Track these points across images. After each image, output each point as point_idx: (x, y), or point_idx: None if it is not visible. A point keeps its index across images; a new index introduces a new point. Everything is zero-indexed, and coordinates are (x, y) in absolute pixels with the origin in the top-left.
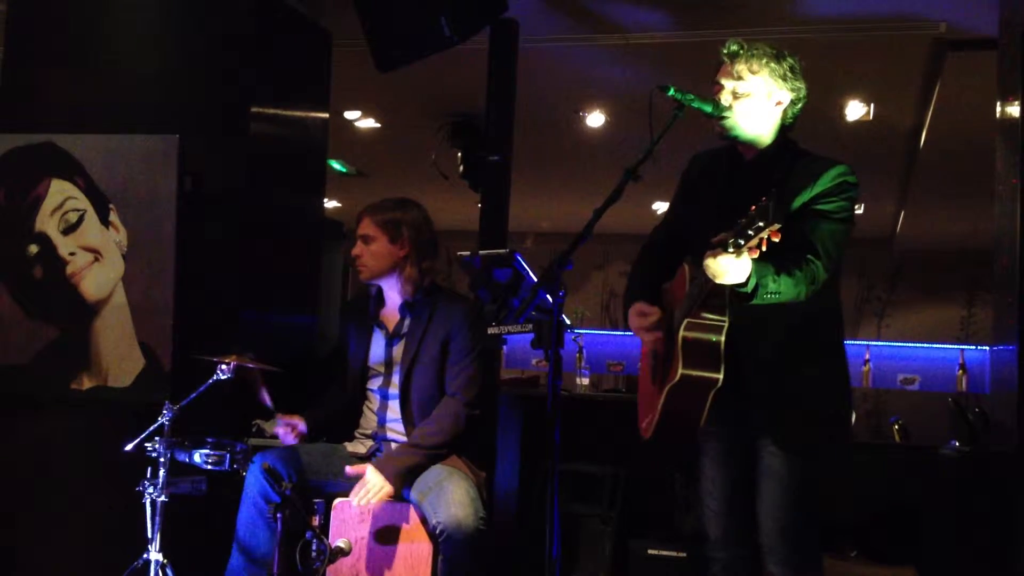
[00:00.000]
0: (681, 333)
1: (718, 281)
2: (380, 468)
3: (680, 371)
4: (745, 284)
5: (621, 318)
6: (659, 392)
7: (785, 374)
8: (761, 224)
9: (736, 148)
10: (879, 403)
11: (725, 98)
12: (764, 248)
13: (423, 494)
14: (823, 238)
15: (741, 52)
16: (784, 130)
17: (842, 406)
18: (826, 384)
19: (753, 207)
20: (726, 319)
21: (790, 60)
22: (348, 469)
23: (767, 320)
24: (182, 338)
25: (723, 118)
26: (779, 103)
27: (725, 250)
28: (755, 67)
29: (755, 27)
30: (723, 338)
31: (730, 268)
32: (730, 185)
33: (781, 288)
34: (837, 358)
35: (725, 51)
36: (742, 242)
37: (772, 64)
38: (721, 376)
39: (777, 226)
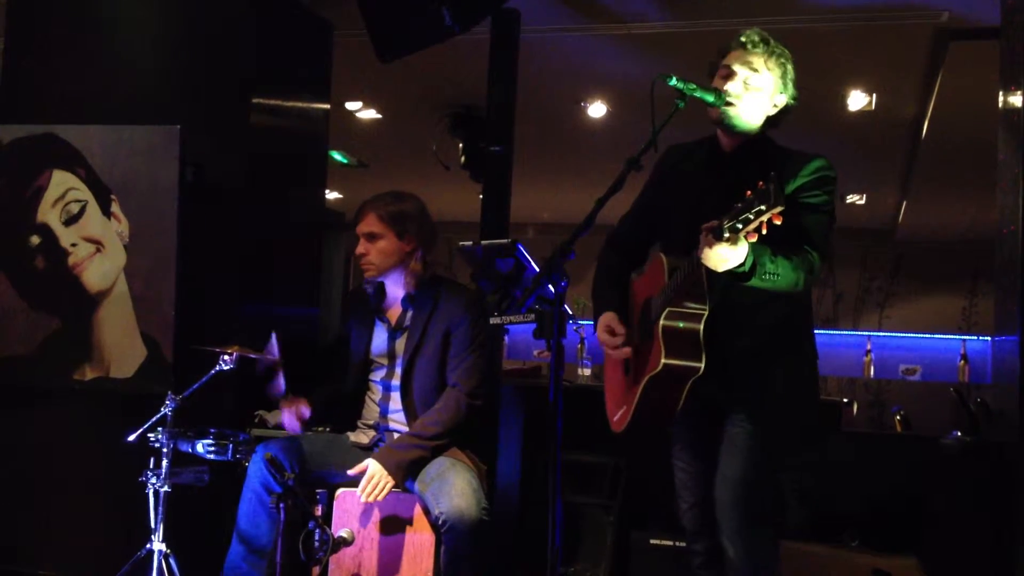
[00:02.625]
0: (662, 322)
1: (717, 270)
2: (381, 460)
3: (663, 360)
4: (743, 263)
5: (593, 309)
6: (635, 383)
7: (763, 363)
8: (763, 208)
9: (715, 140)
10: (881, 393)
11: (735, 85)
12: (764, 231)
13: (425, 484)
14: (813, 230)
15: (764, 45)
16: (766, 126)
17: (812, 396)
18: (800, 376)
19: (749, 191)
20: (707, 307)
21: (793, 68)
22: (351, 472)
23: (749, 310)
24: (184, 329)
25: (728, 104)
26: (775, 105)
27: (719, 238)
28: (772, 64)
29: (757, 16)
30: (702, 327)
31: (727, 256)
32: (708, 177)
33: (779, 270)
34: (810, 352)
35: (746, 39)
36: (740, 226)
37: (788, 66)
38: (703, 365)
39: (779, 208)
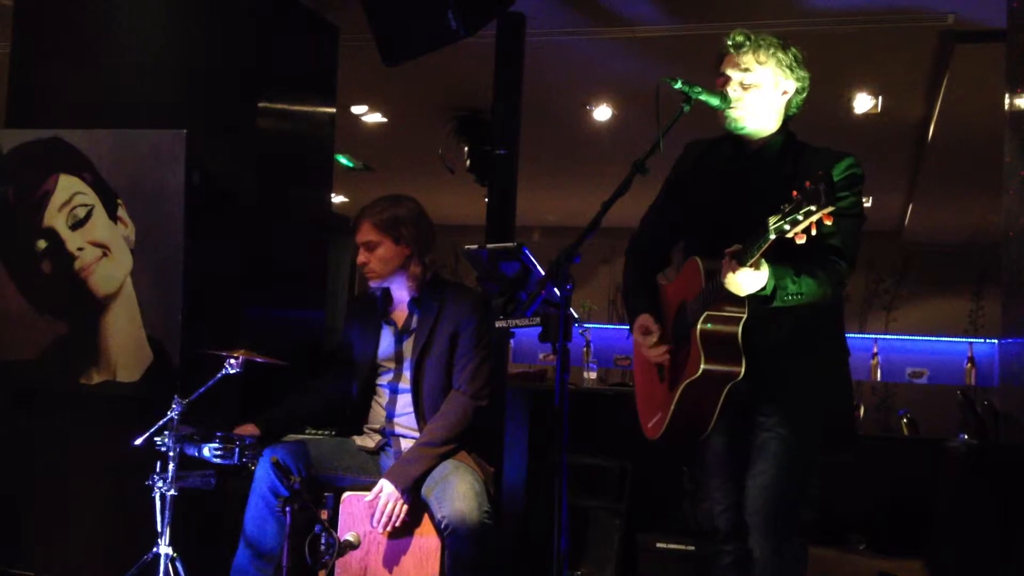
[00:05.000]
0: (699, 327)
1: (739, 295)
2: (394, 480)
3: (702, 366)
4: (764, 287)
5: (627, 313)
6: (669, 389)
7: (794, 362)
8: (812, 208)
9: (738, 138)
10: (887, 396)
11: (734, 90)
12: (813, 232)
13: (429, 488)
14: (842, 236)
15: (747, 43)
16: (787, 121)
17: (845, 396)
18: (831, 374)
19: (795, 192)
20: (745, 311)
21: (794, 50)
22: (367, 499)
23: (779, 308)
24: (190, 332)
25: (731, 110)
26: (785, 92)
27: (741, 264)
28: (762, 58)
29: (762, 19)
30: (740, 330)
31: (748, 281)
32: (733, 174)
33: (803, 289)
34: (841, 350)
35: (730, 42)
36: (788, 227)
37: (779, 54)
38: (742, 370)
39: (830, 209)
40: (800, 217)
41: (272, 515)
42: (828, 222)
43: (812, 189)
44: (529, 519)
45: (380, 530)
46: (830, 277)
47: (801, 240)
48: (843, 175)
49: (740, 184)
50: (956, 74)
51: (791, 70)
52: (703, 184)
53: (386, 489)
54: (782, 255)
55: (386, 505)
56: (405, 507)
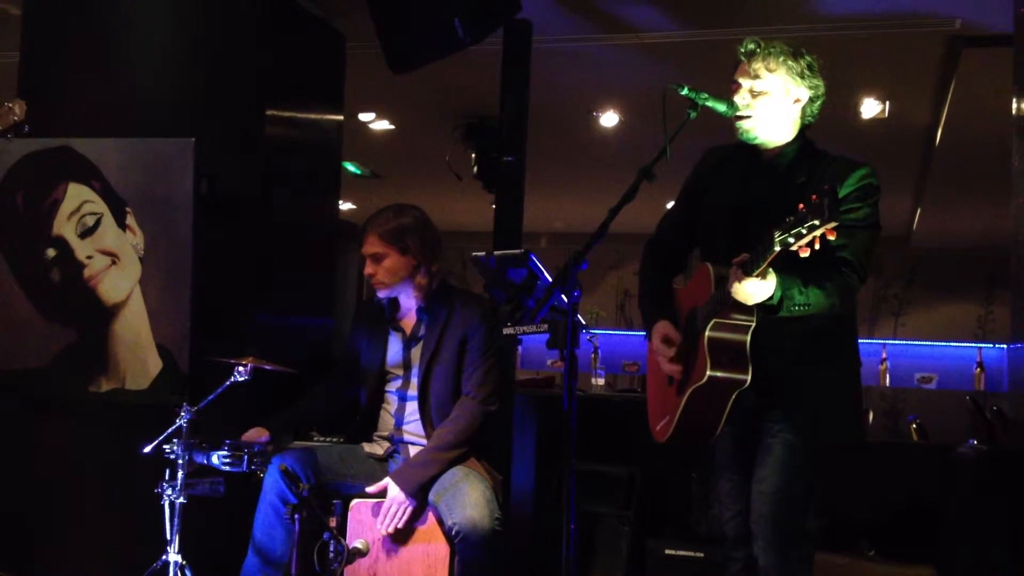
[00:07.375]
0: (707, 333)
1: (747, 303)
2: (400, 481)
3: (707, 372)
4: (771, 297)
5: (636, 318)
6: (677, 394)
7: (805, 370)
8: (816, 223)
9: (755, 146)
10: (897, 402)
11: (743, 97)
12: (817, 247)
13: (439, 495)
14: (855, 248)
15: (758, 51)
16: (804, 129)
17: (855, 405)
18: (842, 383)
19: (801, 205)
20: (754, 319)
21: (808, 58)
22: (369, 490)
23: (790, 319)
24: (199, 340)
25: (740, 118)
26: (797, 100)
27: (748, 273)
28: (772, 65)
29: (769, 25)
30: (749, 338)
31: (756, 291)
32: (748, 182)
33: (810, 300)
34: (853, 358)
35: (742, 50)
36: (792, 240)
37: (789, 62)
38: (749, 377)
39: (834, 224)
40: (804, 231)
41: (281, 522)
42: (831, 237)
43: (817, 203)
44: (538, 525)
45: (382, 532)
46: (839, 289)
47: (805, 254)
48: (857, 185)
49: (753, 192)
50: (963, 79)
51: (802, 77)
52: (719, 191)
53: (392, 492)
54: (792, 265)
55: (390, 507)
56: (411, 509)
